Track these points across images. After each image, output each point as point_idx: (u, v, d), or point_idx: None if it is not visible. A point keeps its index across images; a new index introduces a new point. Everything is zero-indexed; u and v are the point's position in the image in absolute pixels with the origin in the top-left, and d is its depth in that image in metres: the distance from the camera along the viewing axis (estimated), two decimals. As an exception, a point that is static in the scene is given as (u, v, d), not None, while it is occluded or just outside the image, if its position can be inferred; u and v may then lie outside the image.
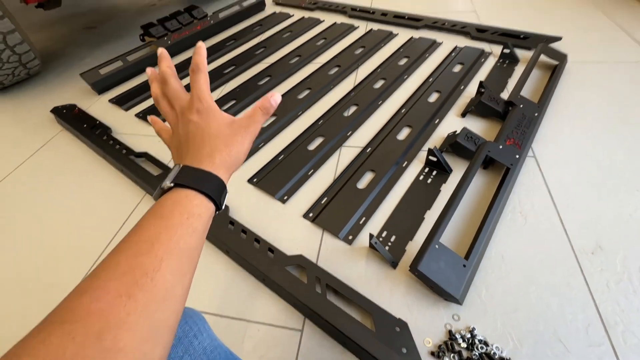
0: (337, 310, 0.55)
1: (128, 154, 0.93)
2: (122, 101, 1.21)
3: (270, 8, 1.76)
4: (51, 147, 1.07)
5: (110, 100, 1.22)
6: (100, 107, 1.21)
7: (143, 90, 1.25)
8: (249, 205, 0.78)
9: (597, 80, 1.00)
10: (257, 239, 0.68)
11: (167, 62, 0.38)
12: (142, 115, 1.12)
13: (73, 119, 1.10)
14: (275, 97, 0.37)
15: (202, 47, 0.36)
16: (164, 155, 0.95)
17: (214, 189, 0.31)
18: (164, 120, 0.41)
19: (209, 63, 1.36)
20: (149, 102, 1.19)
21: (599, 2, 1.39)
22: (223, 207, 0.33)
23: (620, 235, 0.63)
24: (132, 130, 1.08)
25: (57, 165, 0.99)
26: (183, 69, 1.33)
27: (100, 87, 1.27)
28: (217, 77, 1.25)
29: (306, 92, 1.11)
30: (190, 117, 0.34)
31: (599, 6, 1.36)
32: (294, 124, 1.00)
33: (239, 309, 0.61)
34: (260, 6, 1.72)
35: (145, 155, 0.92)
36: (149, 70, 0.39)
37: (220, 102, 1.12)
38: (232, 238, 0.68)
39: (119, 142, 0.98)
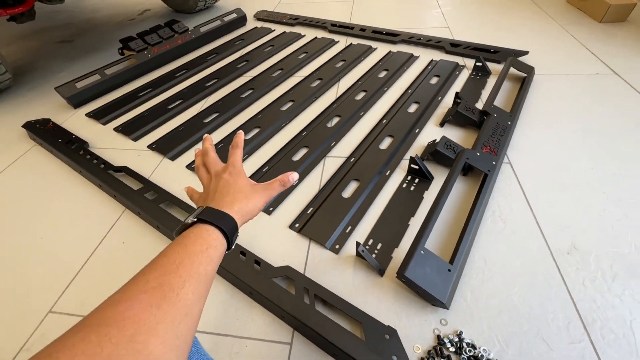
0: (326, 321, 0.55)
1: (106, 169, 0.90)
2: (100, 115, 1.18)
3: (251, 23, 1.79)
4: (23, 164, 1.02)
5: (87, 114, 1.19)
6: (77, 122, 1.17)
7: (122, 103, 1.22)
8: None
9: (562, 90, 1.07)
10: (243, 252, 0.67)
11: (209, 142, 0.48)
12: (121, 129, 1.09)
13: (47, 133, 1.06)
14: (293, 175, 0.45)
15: (241, 133, 0.47)
16: (143, 169, 0.92)
17: (229, 227, 0.36)
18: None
19: (190, 77, 1.36)
20: (128, 116, 1.16)
21: (560, 19, 1.50)
22: (233, 246, 0.40)
23: (592, 235, 0.67)
24: (110, 144, 1.05)
25: (30, 182, 0.95)
26: (165, 82, 1.32)
27: (77, 101, 1.24)
28: (199, 90, 1.24)
29: (289, 104, 1.12)
30: (222, 176, 0.42)
31: (561, 23, 1.47)
32: (278, 136, 1.01)
33: (226, 325, 0.59)
34: (241, 21, 1.74)
35: (124, 170, 0.90)
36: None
37: (204, 114, 1.11)
38: (217, 251, 0.67)
39: (96, 157, 0.95)
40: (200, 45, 1.58)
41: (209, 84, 1.28)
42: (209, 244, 0.33)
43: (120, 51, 1.47)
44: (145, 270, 0.28)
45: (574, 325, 0.55)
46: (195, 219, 0.35)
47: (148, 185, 0.85)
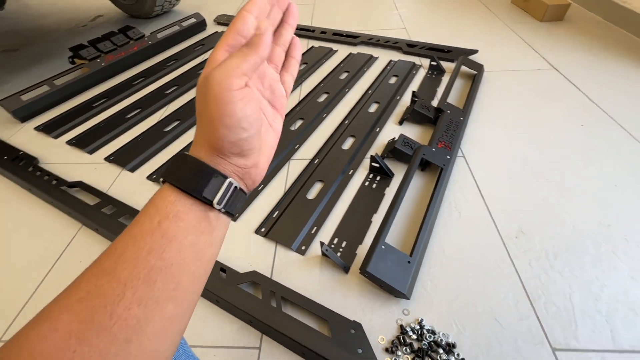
0: (293, 322, 0.56)
1: (59, 185, 0.86)
2: (51, 128, 1.11)
3: (211, 27, 1.76)
4: (-37, 185, 0.94)
5: (36, 128, 1.12)
6: (24, 136, 1.10)
7: (75, 115, 1.16)
8: (198, 227, 0.76)
9: (509, 86, 1.15)
10: (208, 260, 0.66)
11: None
12: (75, 142, 1.04)
13: (-10, 151, 0.99)
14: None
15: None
16: (100, 183, 0.89)
17: (188, 177, 0.23)
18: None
19: (149, 84, 1.32)
20: (82, 128, 1.11)
21: (506, 19, 1.61)
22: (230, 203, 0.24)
23: (536, 220, 0.73)
24: (63, 159, 0.99)
25: (-29, 204, 0.88)
26: (121, 91, 1.27)
27: (23, 114, 1.16)
28: (159, 98, 1.21)
29: (252, 109, 1.12)
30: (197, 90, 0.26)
31: (507, 22, 1.57)
32: (241, 141, 1.00)
33: (192, 336, 0.58)
34: (201, 26, 1.71)
35: (79, 185, 0.86)
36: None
37: (164, 123, 1.09)
38: (181, 262, 0.66)
39: (47, 173, 0.90)
40: (158, 52, 1.53)
41: (168, 92, 1.25)
42: (165, 211, 0.21)
43: (70, 60, 1.39)
44: (89, 267, 0.20)
45: (522, 303, 0.59)
46: (222, 208, 0.23)
47: (106, 199, 0.82)
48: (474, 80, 1.15)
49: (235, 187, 0.24)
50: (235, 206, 0.24)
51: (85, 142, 1.04)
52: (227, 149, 0.23)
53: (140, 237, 0.20)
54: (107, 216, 0.76)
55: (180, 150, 0.98)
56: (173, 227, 0.21)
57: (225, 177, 0.23)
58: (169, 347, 0.20)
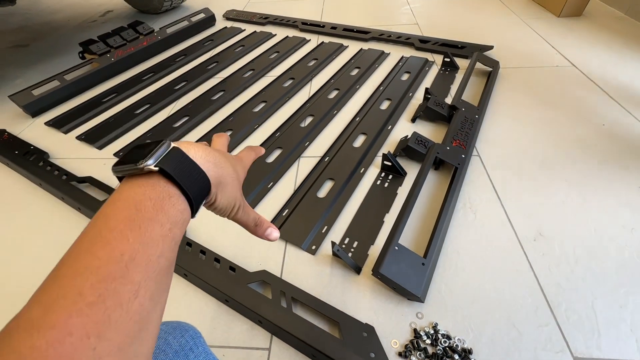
0: (303, 323, 0.54)
1: (69, 180, 0.86)
2: (61, 123, 1.11)
3: (220, 23, 1.74)
4: (-25, 179, 0.95)
5: (47, 123, 1.12)
6: (35, 131, 1.10)
7: (85, 110, 1.16)
8: (207, 224, 0.75)
9: (526, 83, 1.11)
10: (217, 259, 0.65)
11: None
12: (85, 137, 1.04)
13: (1, 145, 0.99)
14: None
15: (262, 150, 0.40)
16: (111, 178, 0.88)
17: (198, 189, 0.25)
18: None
19: (158, 80, 1.31)
20: (92, 123, 1.11)
21: (522, 14, 1.56)
22: (195, 216, 0.27)
23: (556, 222, 0.70)
24: (73, 154, 0.99)
25: (-17, 198, 0.88)
26: (130, 86, 1.27)
27: (34, 109, 1.17)
28: (167, 94, 1.20)
29: (261, 105, 1.11)
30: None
31: (523, 18, 1.53)
32: (250, 138, 0.99)
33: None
34: (210, 21, 1.70)
35: (89, 180, 0.85)
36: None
37: (173, 118, 1.08)
38: (190, 260, 0.65)
39: (57, 168, 0.90)
40: (167, 47, 1.53)
41: (177, 87, 1.24)
42: (174, 219, 0.22)
43: (80, 55, 1.40)
44: (75, 267, 0.19)
45: (542, 310, 0.57)
46: (156, 167, 0.23)
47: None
48: (489, 77, 1.12)
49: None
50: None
51: (95, 138, 1.03)
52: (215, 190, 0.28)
53: (152, 244, 0.21)
54: (116, 212, 0.76)
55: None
56: (178, 234, 0.23)
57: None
58: (159, 327, 0.22)
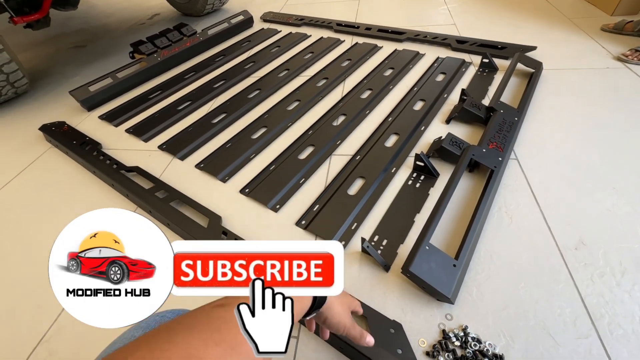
0: (332, 315, 0.56)
1: (119, 169, 0.93)
2: (112, 117, 1.21)
3: (258, 24, 1.81)
4: (40, 165, 1.06)
5: (100, 117, 1.22)
6: (90, 124, 1.21)
7: (133, 105, 1.25)
8: (241, 215, 0.79)
9: (571, 85, 1.05)
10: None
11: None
12: (133, 131, 1.12)
13: (62, 135, 1.10)
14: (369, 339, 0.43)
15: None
16: (155, 169, 0.95)
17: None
18: None
19: (199, 78, 1.38)
20: (139, 117, 1.20)
21: (569, 13, 1.48)
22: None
23: (600, 231, 0.66)
24: (122, 145, 1.08)
25: (46, 182, 0.99)
26: (174, 84, 1.35)
27: (90, 104, 1.28)
28: (207, 92, 1.27)
29: (295, 104, 1.14)
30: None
31: (570, 17, 1.44)
32: (284, 135, 1.02)
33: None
34: (248, 23, 1.77)
35: (136, 170, 0.92)
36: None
37: (212, 115, 1.14)
38: (225, 248, 0.68)
39: (109, 157, 0.98)
40: (208, 48, 1.61)
41: (217, 85, 1.30)
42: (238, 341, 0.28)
43: (131, 55, 1.51)
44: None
45: (582, 321, 0.54)
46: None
47: (159, 184, 0.87)
48: (531, 78, 1.07)
49: None
50: None
51: (142, 131, 1.12)
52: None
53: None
54: (160, 200, 0.82)
55: (228, 142, 1.01)
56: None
57: None
58: None
